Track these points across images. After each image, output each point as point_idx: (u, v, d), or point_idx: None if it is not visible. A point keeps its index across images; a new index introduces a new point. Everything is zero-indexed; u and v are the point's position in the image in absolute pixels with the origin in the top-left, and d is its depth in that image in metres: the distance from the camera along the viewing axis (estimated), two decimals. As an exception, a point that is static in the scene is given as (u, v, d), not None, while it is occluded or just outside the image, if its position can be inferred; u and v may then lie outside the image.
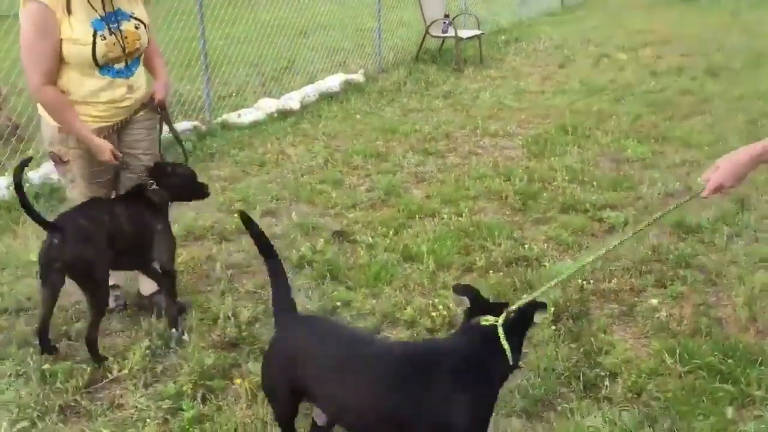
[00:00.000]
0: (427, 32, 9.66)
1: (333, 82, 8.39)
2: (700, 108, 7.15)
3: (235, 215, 4.35)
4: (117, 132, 3.29)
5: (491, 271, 3.89)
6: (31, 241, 4.08)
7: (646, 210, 4.65)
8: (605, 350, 3.13)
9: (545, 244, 4.21)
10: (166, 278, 3.36)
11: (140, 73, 3.31)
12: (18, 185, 2.85)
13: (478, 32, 9.97)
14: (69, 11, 2.95)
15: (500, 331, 2.18)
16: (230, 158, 5.93)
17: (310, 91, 8.05)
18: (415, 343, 3.00)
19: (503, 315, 2.21)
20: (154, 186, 3.31)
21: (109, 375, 3.01)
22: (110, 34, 3.05)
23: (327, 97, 8.02)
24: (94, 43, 3.00)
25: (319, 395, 2.28)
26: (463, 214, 4.63)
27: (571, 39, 11.45)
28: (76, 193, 3.27)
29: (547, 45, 11.07)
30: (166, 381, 2.98)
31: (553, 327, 3.30)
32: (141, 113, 3.35)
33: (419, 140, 6.37)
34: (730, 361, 2.99)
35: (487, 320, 2.22)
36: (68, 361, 3.06)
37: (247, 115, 7.07)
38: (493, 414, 2.62)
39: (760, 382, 2.86)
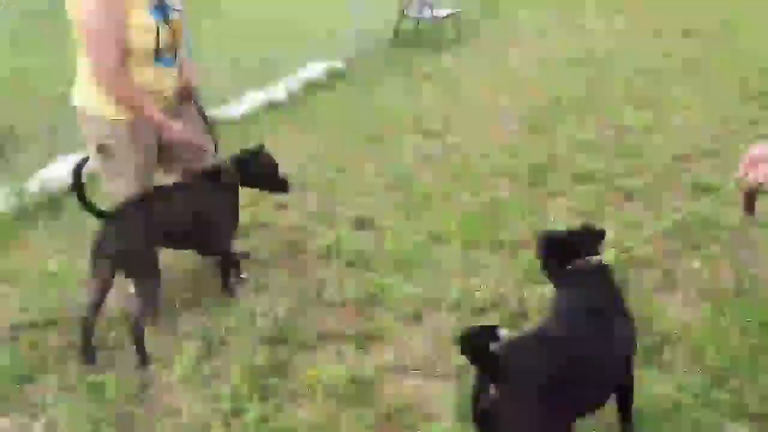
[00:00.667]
0: (404, 13, 9.55)
1: (315, 70, 8.26)
2: (689, 71, 7.20)
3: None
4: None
5: (522, 247, 3.86)
6: (46, 251, 3.92)
7: (658, 174, 4.66)
8: (656, 316, 3.12)
9: (567, 216, 4.19)
10: (224, 260, 3.49)
11: (180, 65, 3.26)
12: (76, 177, 2.89)
13: (454, 10, 9.90)
14: None
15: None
16: (225, 152, 5.77)
17: (294, 81, 7.92)
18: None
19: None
20: (228, 169, 3.40)
21: (158, 380, 2.91)
22: (164, 23, 3.00)
23: (312, 85, 7.89)
24: (158, 31, 2.95)
25: None
26: (480, 193, 4.59)
27: (548, 11, 11.43)
28: (122, 187, 3.16)
29: (524, 19, 11.05)
30: (218, 383, 2.89)
31: (598, 297, 3.27)
32: (181, 104, 3.32)
33: (415, 122, 6.29)
34: (775, 315, 3.01)
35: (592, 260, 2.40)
36: (112, 372, 2.95)
37: (233, 110, 6.92)
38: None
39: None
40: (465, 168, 5.09)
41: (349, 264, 3.77)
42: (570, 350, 2.11)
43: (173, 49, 3.12)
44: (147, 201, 3.11)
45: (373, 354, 3.07)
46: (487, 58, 8.71)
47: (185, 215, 3.21)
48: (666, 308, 3.18)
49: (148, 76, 3.04)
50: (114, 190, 3.20)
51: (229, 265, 3.52)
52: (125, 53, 2.91)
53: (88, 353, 2.99)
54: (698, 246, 3.71)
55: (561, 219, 4.11)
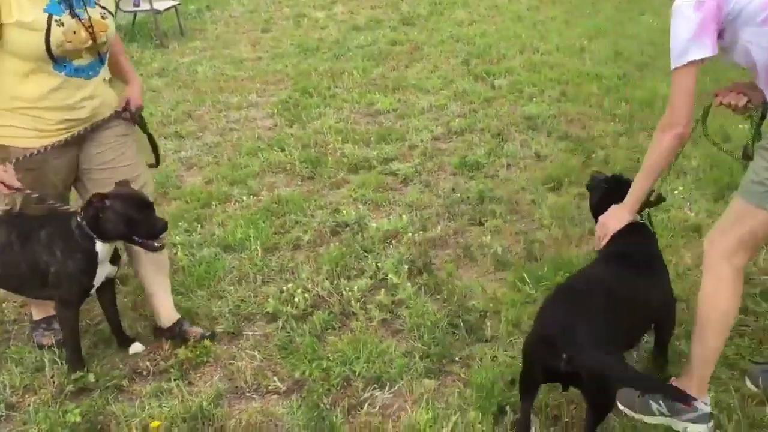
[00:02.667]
0: (117, 6, 8.78)
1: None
2: (415, 56, 7.64)
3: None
4: (77, 145, 2.73)
5: (322, 245, 3.79)
6: None
7: (425, 155, 4.89)
8: (469, 293, 3.27)
9: (357, 207, 4.20)
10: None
11: (102, 78, 2.76)
12: None
13: (174, 2, 9.37)
14: None
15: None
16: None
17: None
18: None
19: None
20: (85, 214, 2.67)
21: None
22: (72, 19, 2.52)
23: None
24: (49, 28, 2.47)
25: None
26: (260, 192, 4.41)
27: (262, 2, 11.34)
28: None
29: (242, 10, 10.81)
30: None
31: (410, 284, 3.34)
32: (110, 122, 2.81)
33: (161, 124, 5.85)
34: (569, 274, 3.33)
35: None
36: None
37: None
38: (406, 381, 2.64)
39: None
40: (235, 168, 4.85)
41: (141, 292, 3.36)
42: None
43: (91, 54, 2.62)
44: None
45: (200, 384, 2.79)
46: (217, 51, 8.40)
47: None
48: (474, 284, 3.35)
49: (45, 86, 2.55)
50: None
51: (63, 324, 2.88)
52: (4, 58, 2.49)
53: None
54: (481, 221, 3.95)
55: (352, 210, 4.11)
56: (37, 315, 3.10)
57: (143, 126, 2.99)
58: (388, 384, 2.73)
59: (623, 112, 5.43)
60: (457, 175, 4.59)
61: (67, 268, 2.67)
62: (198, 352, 2.92)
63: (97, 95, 2.74)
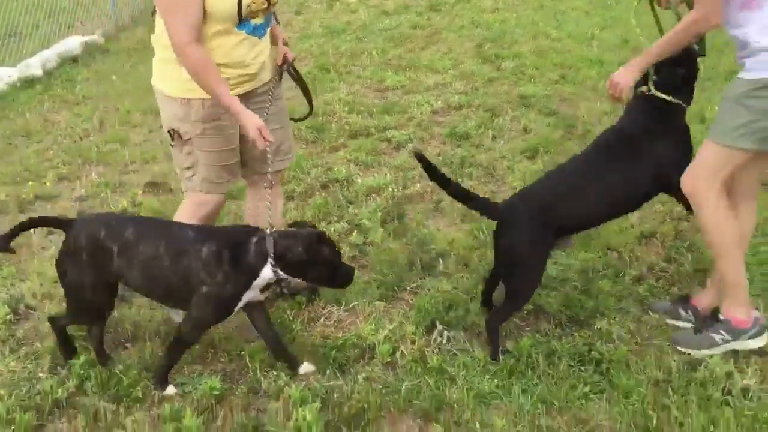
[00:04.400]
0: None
1: (72, 44, 7.90)
2: (433, 39, 8.04)
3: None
4: (244, 102, 2.79)
5: (311, 196, 4.26)
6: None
7: (420, 126, 5.32)
8: (430, 239, 3.70)
9: (349, 166, 4.66)
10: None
11: (268, 38, 2.90)
12: None
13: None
14: None
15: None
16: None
17: (50, 55, 7.51)
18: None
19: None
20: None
21: None
22: None
23: (69, 60, 7.59)
24: None
25: None
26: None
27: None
28: (197, 181, 2.89)
29: (279, -6, 11.36)
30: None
31: (381, 229, 3.79)
32: (265, 78, 2.95)
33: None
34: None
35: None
36: None
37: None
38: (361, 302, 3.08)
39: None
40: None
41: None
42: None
43: (265, 14, 2.75)
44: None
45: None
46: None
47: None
48: (437, 231, 3.78)
49: (228, 45, 2.70)
50: (190, 185, 2.91)
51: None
52: (204, 18, 2.60)
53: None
54: (458, 181, 4.36)
55: (345, 169, 4.57)
56: None
57: (299, 77, 3.15)
58: (344, 303, 3.19)
59: (613, 93, 5.75)
60: (446, 144, 5.01)
61: (223, 292, 2.54)
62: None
63: (264, 53, 2.89)
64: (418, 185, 4.32)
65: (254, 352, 2.83)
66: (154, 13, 2.77)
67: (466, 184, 4.32)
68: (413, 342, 2.90)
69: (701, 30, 2.66)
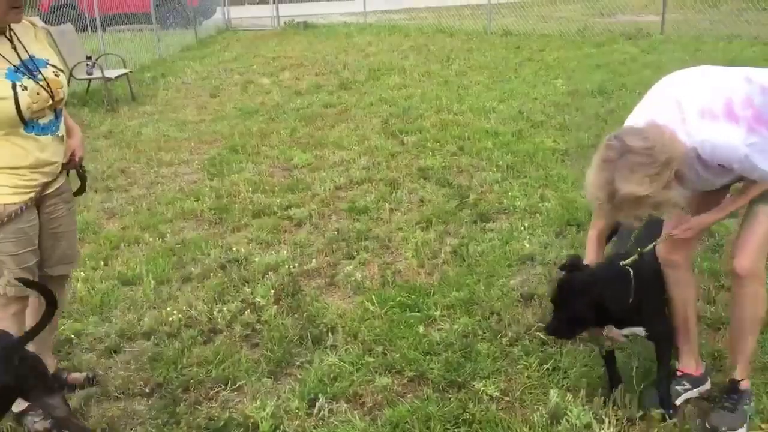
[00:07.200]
0: (71, 75, 9.49)
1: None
2: (343, 117, 8.34)
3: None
4: (37, 204, 2.81)
5: (207, 278, 4.32)
6: None
7: (322, 203, 5.48)
8: (322, 313, 3.81)
9: (249, 246, 4.76)
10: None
11: (61, 135, 2.89)
12: None
13: (125, 71, 10.09)
14: None
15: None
16: None
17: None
18: None
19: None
20: None
21: None
22: (32, 81, 2.68)
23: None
24: (16, 95, 2.62)
25: None
26: (167, 235, 4.96)
27: (215, 70, 12.15)
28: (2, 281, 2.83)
29: (194, 78, 11.60)
30: None
31: (276, 306, 3.88)
32: (60, 180, 2.94)
33: (95, 179, 6.41)
34: (413, 296, 3.89)
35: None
36: None
37: None
38: (248, 380, 3.13)
39: (436, 305, 3.80)
40: (152, 216, 5.41)
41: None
42: None
43: (53, 110, 2.78)
44: None
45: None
46: (164, 114, 9.08)
47: None
48: (329, 305, 3.89)
49: (16, 148, 2.69)
50: None
51: None
52: None
53: None
54: (352, 256, 4.52)
55: (244, 248, 4.67)
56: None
57: (83, 175, 3.11)
58: (231, 382, 3.23)
59: (504, 163, 6.09)
60: (345, 219, 5.18)
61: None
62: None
63: (58, 150, 2.88)
64: (314, 261, 4.44)
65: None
66: None
67: (362, 257, 4.48)
68: (297, 417, 2.97)
69: None
